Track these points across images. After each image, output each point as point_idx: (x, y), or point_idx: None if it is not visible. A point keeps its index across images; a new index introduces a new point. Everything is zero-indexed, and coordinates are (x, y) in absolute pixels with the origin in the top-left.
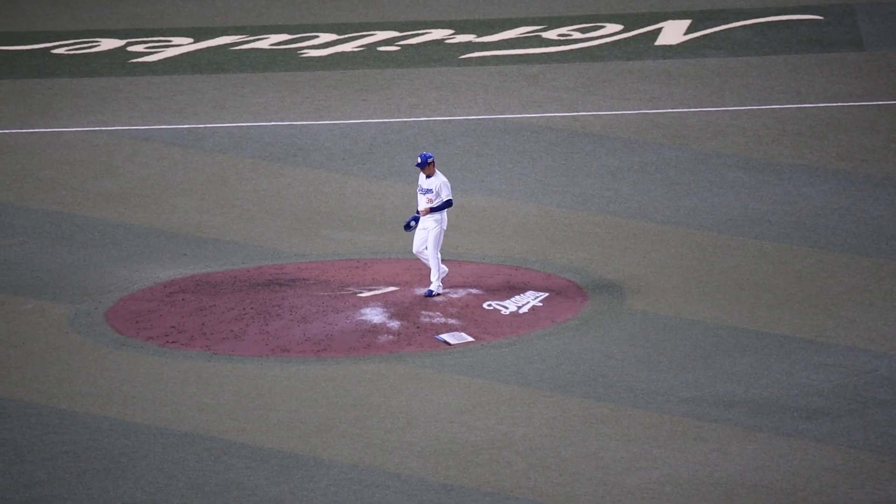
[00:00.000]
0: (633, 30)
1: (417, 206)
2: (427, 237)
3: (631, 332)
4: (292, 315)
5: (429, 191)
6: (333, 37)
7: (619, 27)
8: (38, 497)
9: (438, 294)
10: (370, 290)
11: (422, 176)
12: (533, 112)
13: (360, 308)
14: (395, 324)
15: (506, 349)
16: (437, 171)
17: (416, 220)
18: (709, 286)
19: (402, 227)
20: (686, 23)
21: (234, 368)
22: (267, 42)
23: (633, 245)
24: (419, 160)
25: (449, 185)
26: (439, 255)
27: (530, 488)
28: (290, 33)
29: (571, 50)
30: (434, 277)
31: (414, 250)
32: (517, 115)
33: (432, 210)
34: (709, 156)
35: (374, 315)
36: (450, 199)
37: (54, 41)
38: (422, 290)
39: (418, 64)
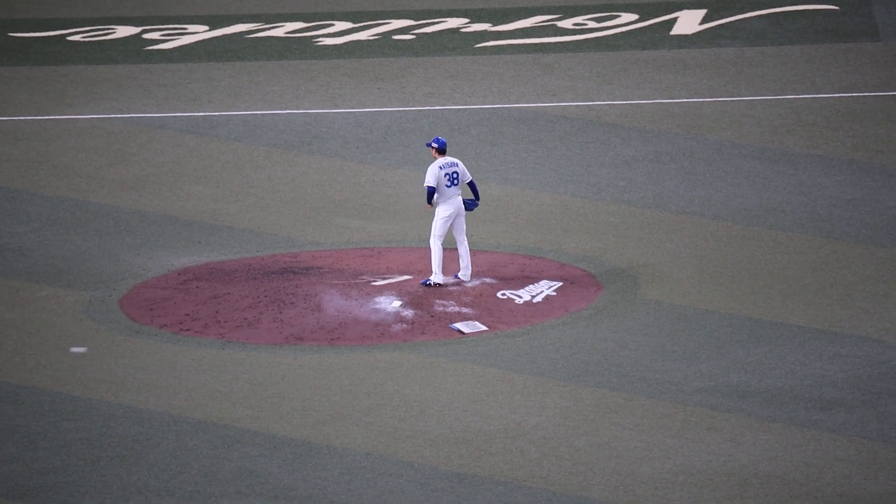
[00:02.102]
0: (649, 19)
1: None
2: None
3: (645, 321)
4: (306, 303)
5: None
6: (349, 25)
7: (634, 16)
8: (52, 484)
9: (438, 284)
10: (384, 278)
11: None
12: (548, 101)
13: (374, 296)
14: (408, 312)
15: (519, 338)
16: (437, 158)
17: (470, 202)
18: (723, 276)
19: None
20: (702, 12)
21: (248, 356)
22: (282, 30)
23: (647, 235)
24: (436, 144)
25: (430, 171)
26: (439, 243)
27: (543, 477)
28: (305, 21)
29: (587, 39)
30: (435, 266)
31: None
32: (532, 104)
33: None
34: (724, 146)
35: (388, 303)
36: (428, 186)
37: (70, 28)
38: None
39: (433, 52)
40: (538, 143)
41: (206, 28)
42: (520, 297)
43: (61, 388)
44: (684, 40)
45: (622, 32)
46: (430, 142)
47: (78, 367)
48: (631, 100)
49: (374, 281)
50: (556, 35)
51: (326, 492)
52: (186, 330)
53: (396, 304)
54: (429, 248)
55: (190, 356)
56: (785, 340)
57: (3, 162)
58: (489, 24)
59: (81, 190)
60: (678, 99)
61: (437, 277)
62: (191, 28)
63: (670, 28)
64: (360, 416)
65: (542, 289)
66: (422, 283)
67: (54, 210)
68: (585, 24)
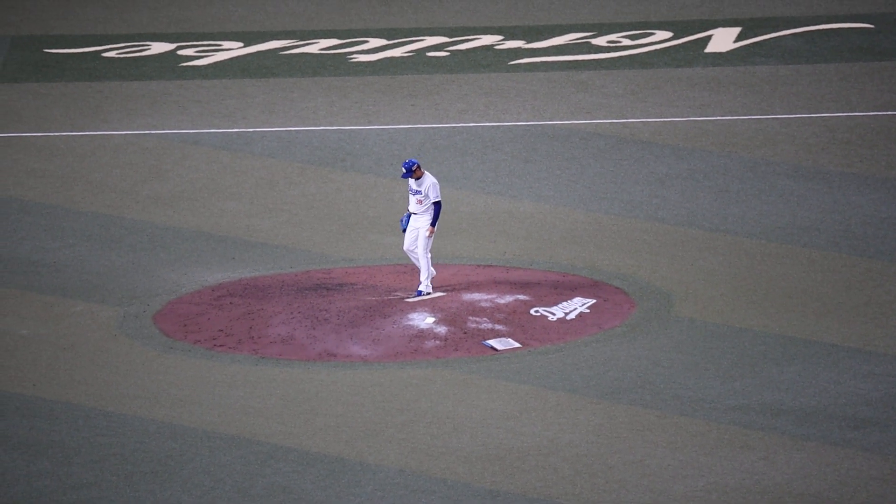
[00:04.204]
0: (683, 37)
1: (408, 206)
2: (417, 237)
3: (678, 339)
4: (339, 319)
5: (418, 192)
6: (383, 42)
7: (668, 34)
8: (86, 499)
9: (429, 294)
10: (417, 295)
11: (411, 179)
12: (582, 118)
13: (408, 313)
14: (442, 329)
15: (553, 355)
16: (425, 172)
17: (409, 217)
18: (757, 294)
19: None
20: (736, 30)
21: (281, 372)
22: (316, 47)
23: (680, 252)
24: (403, 170)
25: (438, 185)
26: (429, 256)
27: (576, 495)
28: (339, 38)
29: (621, 57)
30: (423, 277)
31: (405, 248)
32: (566, 121)
33: (432, 224)
34: (758, 164)
35: (421, 320)
36: (438, 202)
37: (105, 45)
38: (468, 296)
39: (467, 69)
40: (572, 161)
41: (241, 45)
42: (553, 314)
43: (95, 403)
44: (719, 58)
45: (656, 50)
46: (408, 167)
47: (112, 383)
48: (665, 117)
49: (408, 297)
50: (590, 52)
51: None
52: (220, 346)
53: (430, 320)
54: (466, 266)
55: (223, 372)
56: (819, 359)
57: (38, 178)
58: (523, 42)
59: (116, 206)
60: (712, 117)
61: (428, 287)
62: (225, 44)
63: (705, 46)
64: (393, 433)
65: (576, 306)
66: (416, 295)
67: (89, 226)
68: (620, 42)
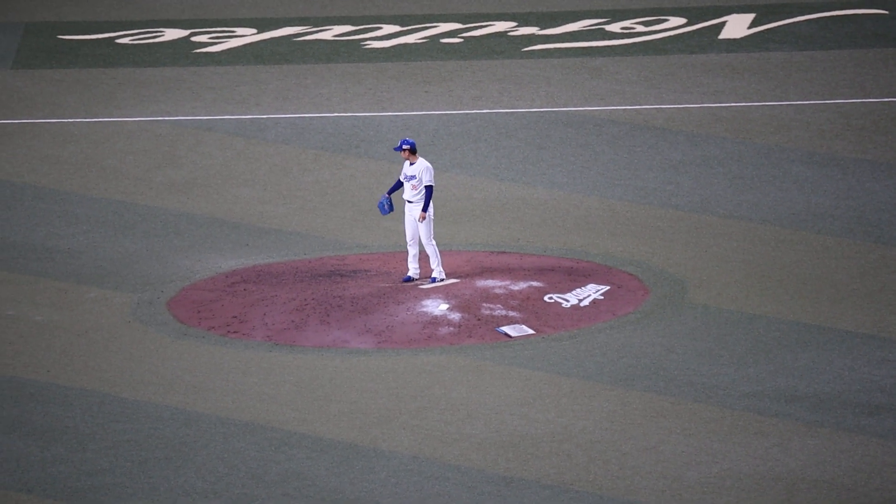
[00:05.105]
0: (697, 23)
1: (398, 185)
2: (416, 227)
3: (692, 326)
4: (353, 306)
5: (412, 177)
6: (396, 28)
7: (682, 20)
8: (100, 485)
9: (442, 280)
10: (431, 281)
11: (406, 163)
12: (595, 105)
13: (421, 299)
14: (455, 315)
15: (566, 342)
16: (419, 157)
17: (388, 201)
18: (771, 281)
19: (380, 211)
20: (750, 16)
21: (295, 359)
22: (330, 33)
23: (694, 239)
24: (400, 145)
25: (431, 170)
26: (434, 242)
27: (590, 481)
28: (353, 24)
29: (634, 43)
30: (434, 264)
31: (408, 240)
32: (580, 107)
33: (423, 209)
34: (772, 150)
35: (435, 306)
36: (430, 185)
37: (119, 31)
38: (482, 283)
39: (481, 56)
40: (585, 147)
41: (255, 31)
42: (567, 300)
43: (110, 389)
44: (733, 44)
45: (670, 36)
46: (401, 144)
47: (126, 369)
48: (679, 104)
49: (422, 284)
50: (604, 39)
51: (373, 494)
52: (234, 332)
53: (443, 307)
54: (480, 253)
55: (237, 358)
56: (833, 345)
57: (53, 164)
58: (537, 28)
59: (130, 192)
60: (726, 103)
61: (441, 274)
62: (239, 31)
63: (719, 32)
64: (406, 419)
65: (590, 293)
66: (430, 282)
67: (103, 212)
68: (633, 28)
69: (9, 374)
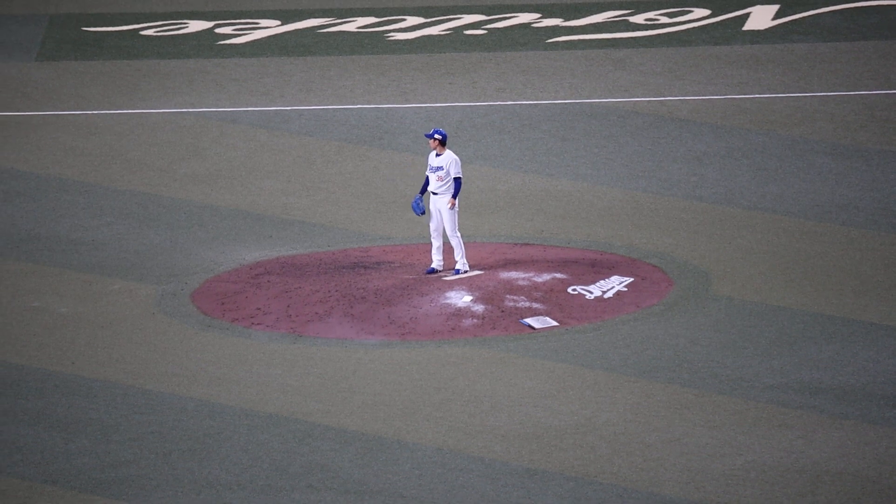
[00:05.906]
0: (721, 14)
1: (428, 185)
2: (440, 219)
3: (716, 318)
4: (377, 298)
5: (439, 168)
6: (420, 20)
7: (706, 12)
8: (124, 477)
9: (466, 272)
10: (455, 273)
11: (431, 155)
12: (619, 97)
13: (445, 291)
14: (479, 307)
15: (590, 334)
16: (447, 149)
17: (420, 202)
18: (795, 272)
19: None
20: (774, 8)
21: (319, 351)
22: (354, 25)
23: (718, 231)
24: (433, 133)
25: (459, 162)
26: (459, 234)
27: (614, 473)
28: (377, 16)
29: (659, 34)
30: (458, 256)
31: (432, 231)
32: (603, 99)
33: (453, 196)
34: (796, 142)
35: (459, 298)
36: (459, 177)
37: (143, 23)
38: (505, 274)
39: (505, 48)
40: (609, 139)
41: (279, 23)
42: (591, 292)
43: (134, 381)
44: (757, 36)
45: (694, 28)
46: (433, 133)
47: (150, 361)
48: (703, 95)
49: (445, 276)
50: (627, 30)
51: (397, 486)
52: (258, 324)
53: (467, 298)
54: (504, 245)
55: (261, 350)
56: (857, 337)
57: (77, 156)
58: (561, 20)
59: (154, 184)
60: (750, 95)
61: (465, 265)
62: (263, 23)
63: (743, 23)
64: (430, 411)
65: (614, 284)
66: (454, 273)
67: (127, 204)
68: (657, 20)
69: (33, 366)
